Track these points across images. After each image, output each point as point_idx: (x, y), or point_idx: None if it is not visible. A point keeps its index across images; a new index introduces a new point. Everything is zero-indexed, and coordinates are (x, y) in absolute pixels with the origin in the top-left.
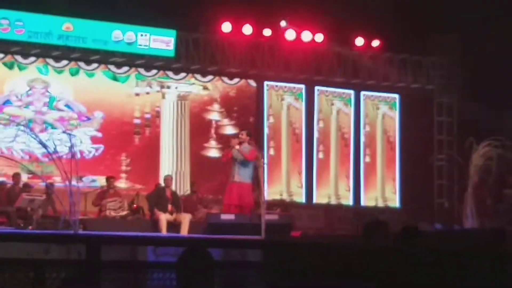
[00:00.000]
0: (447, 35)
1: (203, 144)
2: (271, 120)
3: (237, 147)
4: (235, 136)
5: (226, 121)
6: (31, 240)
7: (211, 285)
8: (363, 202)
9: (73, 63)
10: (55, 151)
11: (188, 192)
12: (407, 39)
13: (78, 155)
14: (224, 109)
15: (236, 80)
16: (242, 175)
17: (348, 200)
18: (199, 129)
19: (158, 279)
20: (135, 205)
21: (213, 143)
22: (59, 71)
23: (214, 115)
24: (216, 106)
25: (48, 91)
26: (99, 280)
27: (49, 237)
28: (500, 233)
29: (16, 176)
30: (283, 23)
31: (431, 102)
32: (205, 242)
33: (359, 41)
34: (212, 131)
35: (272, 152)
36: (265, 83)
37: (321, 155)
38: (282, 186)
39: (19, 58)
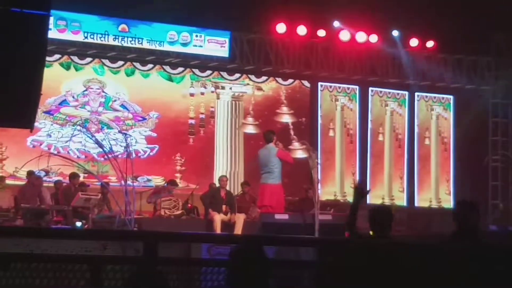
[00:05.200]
0: (502, 35)
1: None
2: (325, 120)
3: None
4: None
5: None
6: (90, 237)
7: (265, 283)
8: (417, 203)
9: (128, 63)
10: (111, 151)
11: (240, 192)
12: (461, 39)
13: (133, 155)
14: (279, 109)
15: (290, 80)
16: (273, 177)
17: (402, 201)
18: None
19: (212, 280)
20: (189, 205)
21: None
22: (115, 71)
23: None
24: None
25: (104, 91)
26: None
27: (108, 234)
28: None
29: (73, 176)
30: (336, 24)
31: (486, 103)
32: (260, 239)
33: (414, 42)
34: None
35: (325, 152)
36: (319, 83)
37: (374, 156)
38: (336, 186)
39: (75, 58)
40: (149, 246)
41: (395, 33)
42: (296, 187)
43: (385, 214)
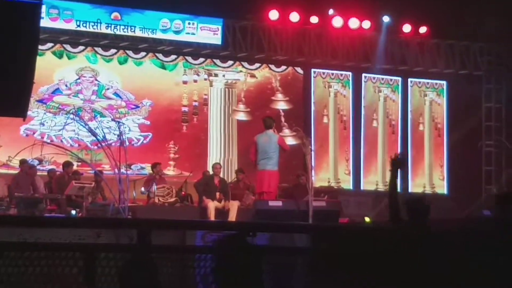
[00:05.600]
0: (495, 20)
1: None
2: (318, 107)
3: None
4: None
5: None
6: (83, 226)
7: (257, 272)
8: (411, 189)
9: (121, 51)
10: (104, 139)
11: (234, 179)
12: (454, 25)
13: (127, 143)
14: (274, 96)
15: (283, 67)
16: (272, 163)
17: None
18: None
19: (206, 267)
20: (183, 192)
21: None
22: (108, 59)
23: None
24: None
25: (97, 80)
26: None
27: (102, 222)
28: None
29: (66, 164)
30: (331, 11)
31: (479, 88)
32: (253, 226)
33: (406, 28)
34: None
35: (319, 139)
36: (312, 70)
37: (368, 142)
38: (330, 173)
39: (68, 47)
40: (143, 233)
41: (386, 18)
42: (288, 173)
43: (421, 202)
